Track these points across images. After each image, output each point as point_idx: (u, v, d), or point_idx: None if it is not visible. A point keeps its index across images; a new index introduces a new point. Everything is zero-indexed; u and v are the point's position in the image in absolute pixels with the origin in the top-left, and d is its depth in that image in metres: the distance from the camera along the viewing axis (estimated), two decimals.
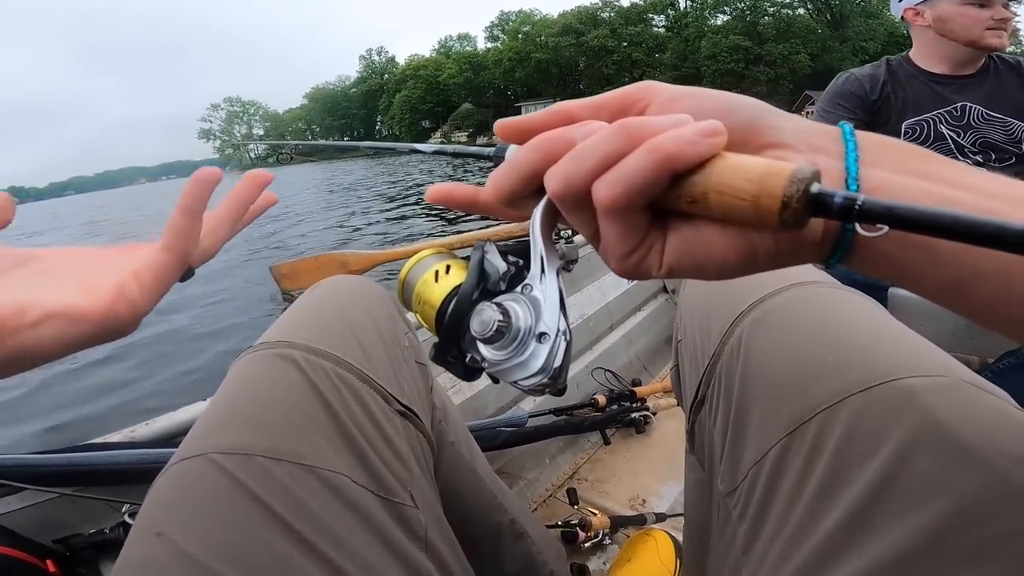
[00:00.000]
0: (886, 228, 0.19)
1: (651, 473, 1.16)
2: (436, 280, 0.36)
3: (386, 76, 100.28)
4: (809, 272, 0.45)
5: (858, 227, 0.21)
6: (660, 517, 1.00)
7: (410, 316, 1.12)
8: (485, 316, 0.28)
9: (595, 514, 0.97)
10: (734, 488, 0.40)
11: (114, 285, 0.27)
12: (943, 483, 0.27)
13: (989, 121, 1.24)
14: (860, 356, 0.35)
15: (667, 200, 0.22)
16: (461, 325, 0.31)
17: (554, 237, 0.31)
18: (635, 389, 1.34)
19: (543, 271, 0.28)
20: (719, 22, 66.37)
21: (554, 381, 0.27)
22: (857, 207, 0.18)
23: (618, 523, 0.98)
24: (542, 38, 78.08)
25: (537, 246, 0.28)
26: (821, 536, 0.31)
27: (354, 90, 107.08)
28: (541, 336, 0.27)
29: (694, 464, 0.52)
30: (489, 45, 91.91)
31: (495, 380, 0.30)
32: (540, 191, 0.25)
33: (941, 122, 1.24)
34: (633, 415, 1.27)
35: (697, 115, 0.23)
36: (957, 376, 0.32)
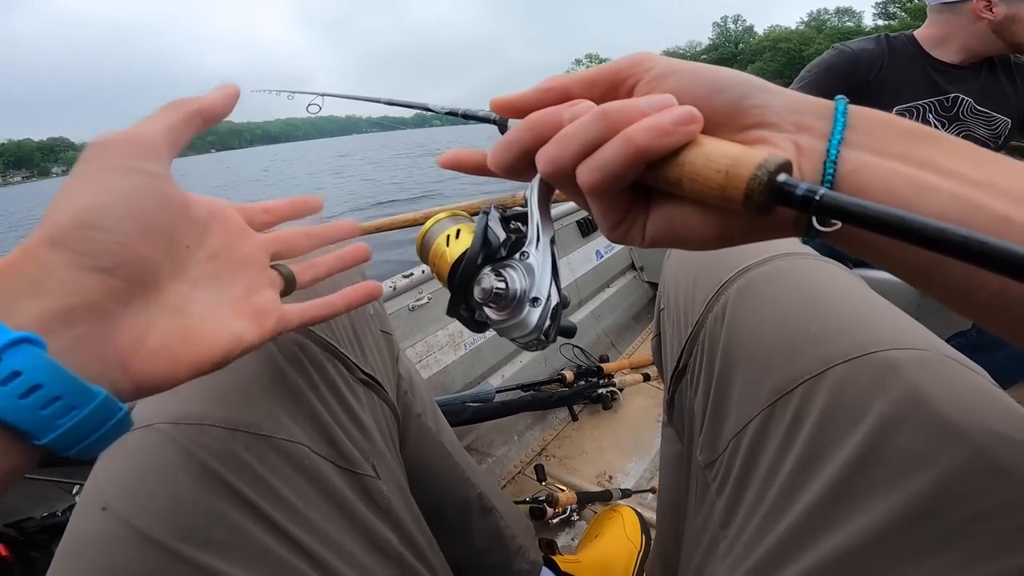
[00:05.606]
0: (839, 224, 0.20)
1: (617, 449, 1.16)
2: (448, 244, 0.41)
3: (740, 46, 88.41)
4: (794, 244, 0.45)
5: (814, 221, 0.21)
6: (626, 493, 1.00)
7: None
8: (485, 284, 0.32)
9: (563, 490, 0.97)
10: (714, 460, 0.39)
11: (274, 323, 0.29)
12: (925, 458, 0.27)
13: (976, 116, 1.20)
14: (843, 327, 0.34)
15: (647, 180, 0.23)
16: (468, 287, 0.35)
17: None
18: (602, 365, 1.34)
19: (539, 239, 0.31)
20: None
21: (546, 339, 0.31)
22: (816, 200, 0.19)
23: (585, 499, 0.98)
24: None
25: (533, 217, 0.31)
26: (801, 510, 0.30)
27: (704, 56, 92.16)
28: (534, 300, 0.30)
29: (671, 437, 0.51)
30: (879, 23, 67.56)
31: (500, 334, 0.34)
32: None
33: (931, 110, 1.20)
34: (600, 391, 1.27)
35: (683, 94, 0.24)
36: (939, 351, 0.31)
